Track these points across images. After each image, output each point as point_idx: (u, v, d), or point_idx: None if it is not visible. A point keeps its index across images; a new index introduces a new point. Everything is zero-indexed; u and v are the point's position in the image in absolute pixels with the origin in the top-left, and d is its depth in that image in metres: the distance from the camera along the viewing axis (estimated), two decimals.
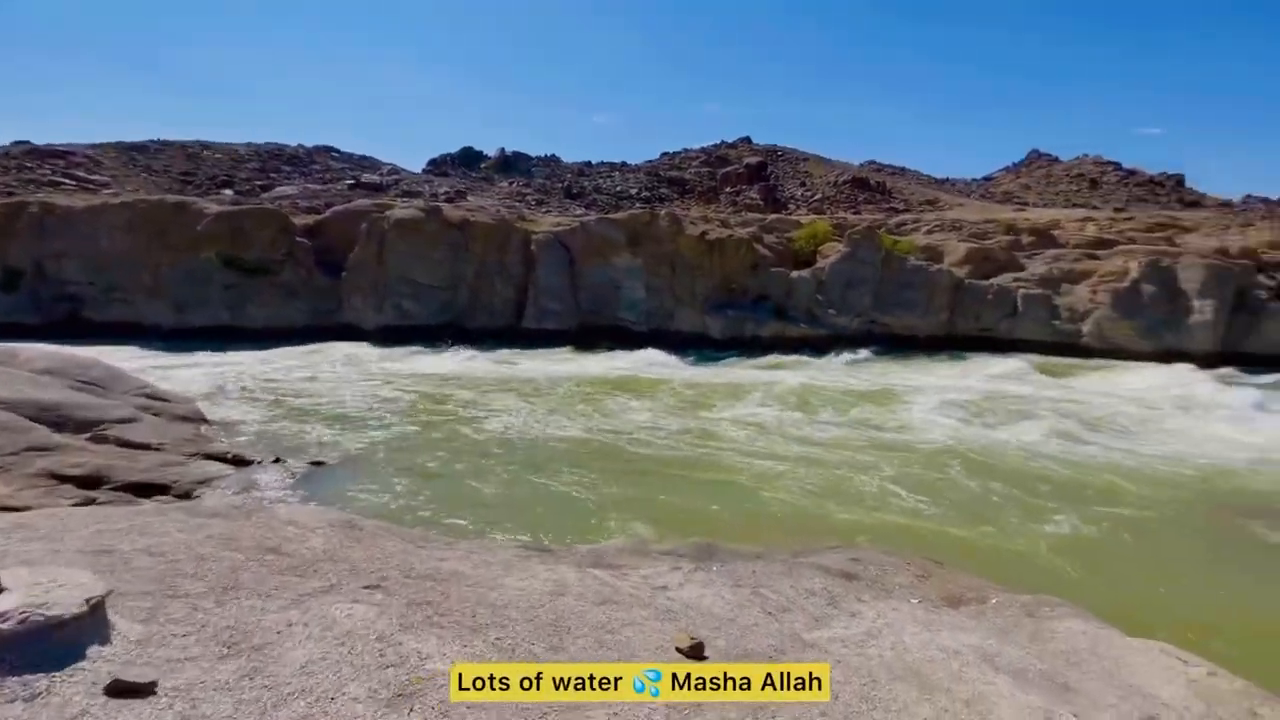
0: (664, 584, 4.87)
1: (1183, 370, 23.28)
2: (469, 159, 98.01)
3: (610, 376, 21.43)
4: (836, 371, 23.21)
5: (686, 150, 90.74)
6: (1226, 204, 59.02)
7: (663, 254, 28.38)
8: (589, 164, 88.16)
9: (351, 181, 67.35)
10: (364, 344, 26.68)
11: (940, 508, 10.21)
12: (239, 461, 10.73)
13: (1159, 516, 10.28)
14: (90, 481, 9.02)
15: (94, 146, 73.97)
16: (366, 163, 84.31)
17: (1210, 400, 18.89)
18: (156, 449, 10.52)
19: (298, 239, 29.14)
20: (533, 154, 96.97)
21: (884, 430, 14.81)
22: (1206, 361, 24.29)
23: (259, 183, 63.90)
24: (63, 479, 8.90)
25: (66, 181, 52.72)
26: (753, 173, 67.81)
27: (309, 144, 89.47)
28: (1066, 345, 26.64)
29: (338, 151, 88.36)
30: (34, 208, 28.43)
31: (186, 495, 9.33)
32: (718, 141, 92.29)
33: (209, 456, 10.63)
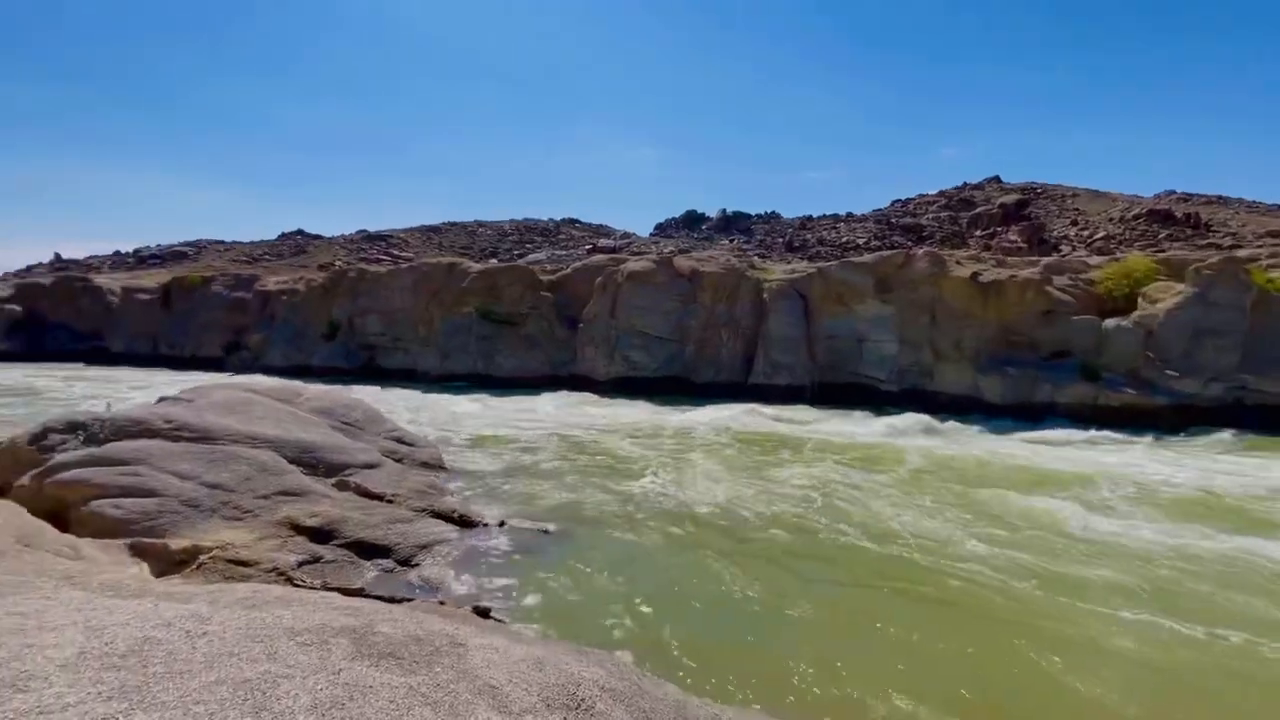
0: None
1: None
2: (691, 221, 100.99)
3: (858, 443, 17.59)
4: (1196, 458, 16.41)
5: (923, 195, 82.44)
6: None
7: (919, 300, 23.87)
8: (810, 217, 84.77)
9: (589, 246, 72.78)
10: (594, 395, 26.36)
11: None
12: (465, 523, 9.51)
13: None
14: (322, 535, 8.25)
15: (405, 230, 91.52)
16: (603, 230, 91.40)
17: None
18: (390, 500, 9.75)
19: (541, 293, 30.50)
20: (752, 212, 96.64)
21: None
22: None
23: (516, 252, 72.04)
24: (299, 529, 8.24)
25: (385, 257, 64.76)
26: (1009, 213, 58.16)
27: (557, 217, 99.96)
28: None
29: (579, 222, 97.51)
30: (351, 273, 33.87)
31: (406, 562, 8.13)
32: (959, 184, 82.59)
33: (436, 514, 9.57)
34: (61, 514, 8.21)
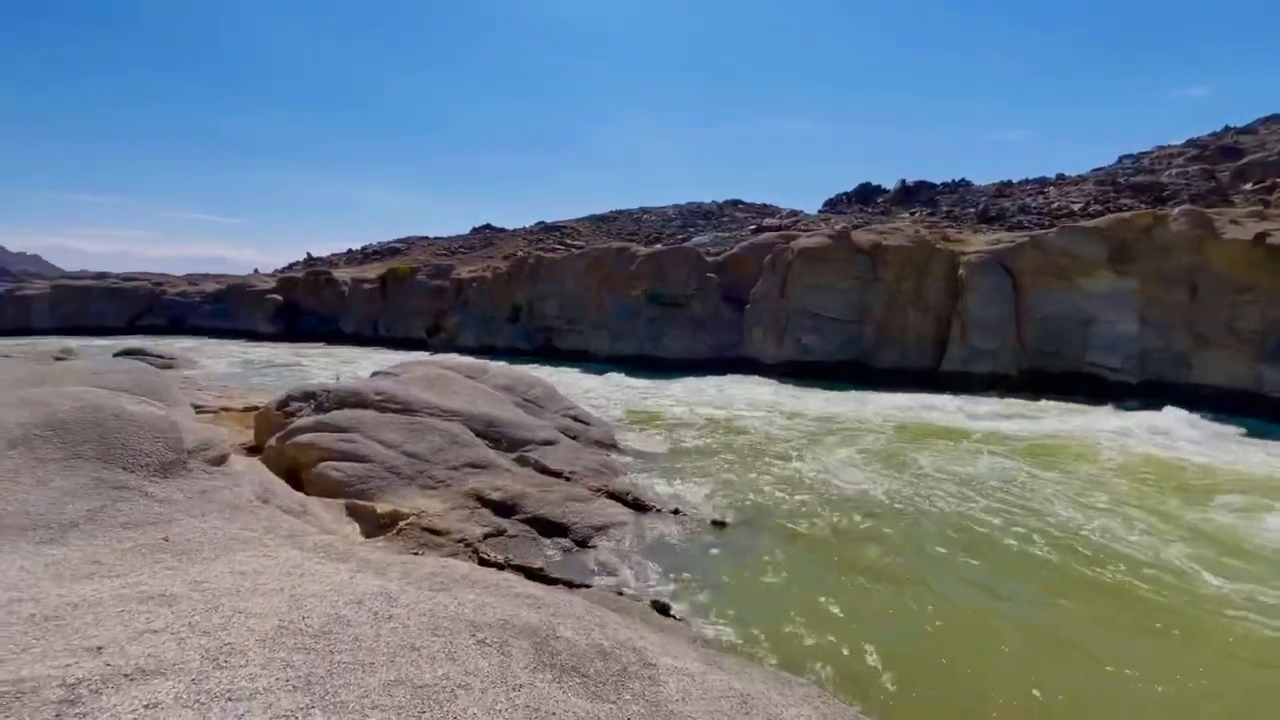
0: None
1: None
2: (865, 194, 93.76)
3: (1080, 442, 14.54)
4: None
5: (1161, 147, 68.09)
6: None
7: (1173, 271, 19.27)
8: (1008, 182, 74.16)
9: (754, 226, 70.72)
10: (762, 379, 25.19)
11: None
12: (638, 506, 9.17)
13: None
14: (505, 509, 8.36)
15: (578, 219, 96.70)
16: (767, 209, 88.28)
17: None
18: (567, 478, 9.73)
19: (707, 274, 29.82)
20: (936, 181, 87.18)
21: None
22: None
23: (680, 236, 72.30)
24: (484, 502, 8.43)
25: (559, 246, 68.87)
26: None
27: (719, 199, 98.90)
28: None
29: (743, 202, 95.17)
30: (530, 261, 35.98)
31: (583, 543, 7.94)
32: (1219, 128, 67.03)
33: (611, 495, 9.35)
34: (296, 472, 9.23)
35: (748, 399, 20.60)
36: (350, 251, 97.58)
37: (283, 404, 11.41)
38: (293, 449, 9.45)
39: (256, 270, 71.16)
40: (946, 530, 8.99)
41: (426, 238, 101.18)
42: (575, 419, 13.22)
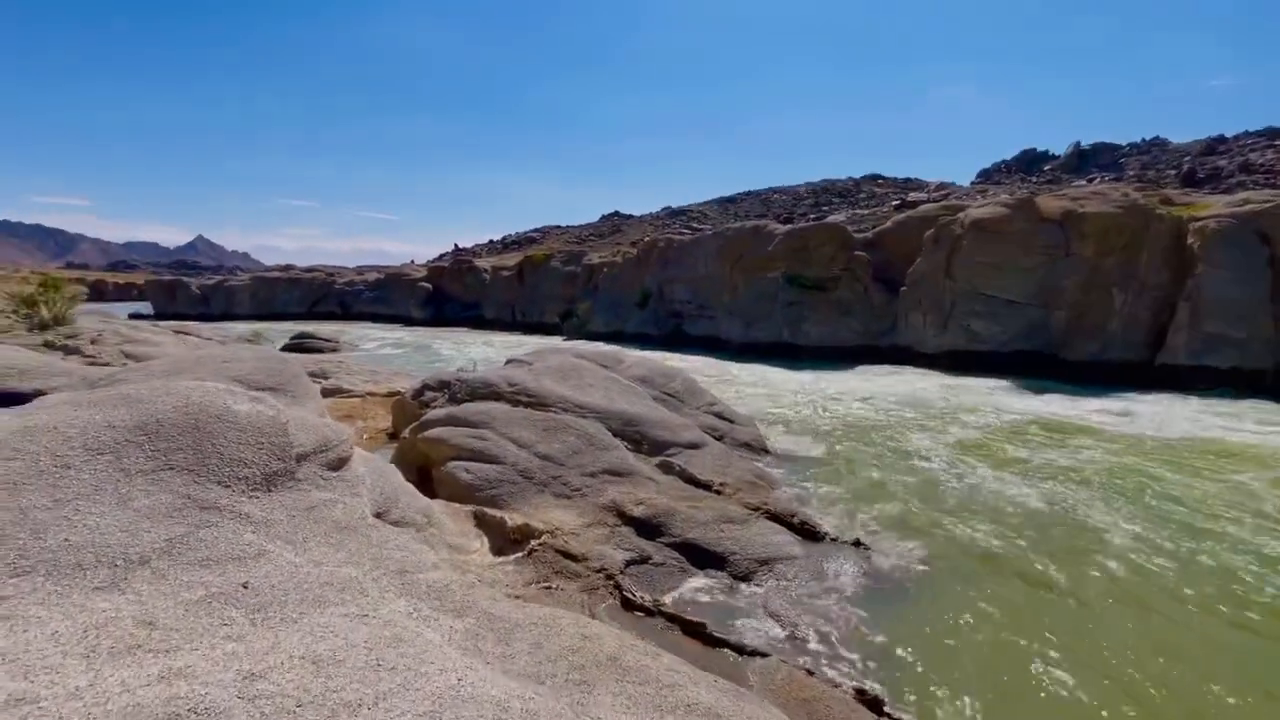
0: None
1: None
2: (1029, 162, 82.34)
3: None
4: None
5: None
6: None
7: None
8: (1221, 138, 61.03)
9: (897, 202, 64.37)
10: (920, 370, 21.99)
11: None
12: (808, 534, 7.38)
13: None
14: (649, 528, 6.96)
15: (704, 203, 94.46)
16: (912, 184, 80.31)
17: None
18: (718, 491, 8.16)
19: (855, 253, 26.74)
20: (1122, 142, 74.15)
21: None
22: None
23: (812, 215, 67.73)
24: (625, 518, 7.09)
25: (686, 230, 67.26)
26: None
27: (856, 175, 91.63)
28: None
29: (883, 177, 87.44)
30: (660, 243, 34.73)
31: (745, 579, 6.34)
32: None
33: (773, 516, 7.64)
34: (428, 469, 8.50)
35: (911, 394, 17.76)
36: (491, 242, 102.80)
37: (418, 392, 10.91)
38: (424, 444, 8.73)
39: (412, 261, 76.89)
40: (1206, 589, 6.28)
41: (560, 227, 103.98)
42: (719, 416, 11.61)
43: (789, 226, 30.07)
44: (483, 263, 55.77)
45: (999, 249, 21.70)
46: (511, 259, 55.04)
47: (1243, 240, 17.71)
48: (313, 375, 14.06)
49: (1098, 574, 6.80)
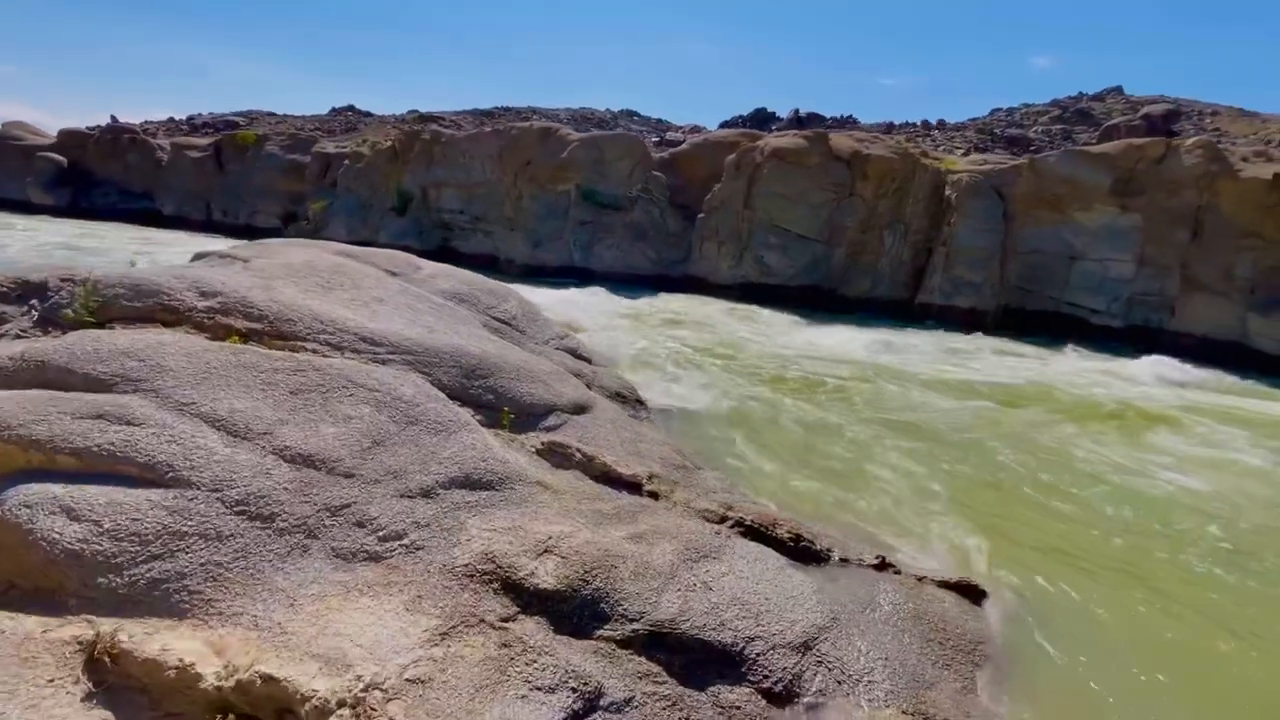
0: None
1: None
2: (761, 120, 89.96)
3: (1110, 400, 11.90)
4: None
5: (1028, 105, 70.40)
6: None
7: (1178, 209, 17.14)
8: (892, 124, 73.89)
9: (657, 139, 64.23)
10: (711, 299, 20.68)
11: None
12: (807, 554, 4.24)
13: None
14: (579, 615, 3.00)
15: (457, 112, 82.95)
16: (664, 124, 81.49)
17: None
18: (651, 493, 4.47)
19: (653, 173, 24.09)
20: (826, 115, 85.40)
21: None
22: None
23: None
24: (521, 598, 2.99)
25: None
26: (1154, 125, 47.87)
27: (614, 108, 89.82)
28: None
29: (639, 114, 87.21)
30: (425, 135, 27.59)
31: (786, 696, 2.89)
32: (1074, 93, 70.12)
33: (749, 530, 4.27)
34: None
35: (736, 327, 15.97)
36: (173, 120, 76.46)
37: None
38: None
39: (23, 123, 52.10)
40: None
41: (274, 114, 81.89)
42: (575, 355, 7.71)
43: (585, 134, 25.98)
44: (161, 141, 39.70)
45: (795, 183, 21.06)
46: (203, 141, 40.18)
47: (988, 195, 19.64)
48: None
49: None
